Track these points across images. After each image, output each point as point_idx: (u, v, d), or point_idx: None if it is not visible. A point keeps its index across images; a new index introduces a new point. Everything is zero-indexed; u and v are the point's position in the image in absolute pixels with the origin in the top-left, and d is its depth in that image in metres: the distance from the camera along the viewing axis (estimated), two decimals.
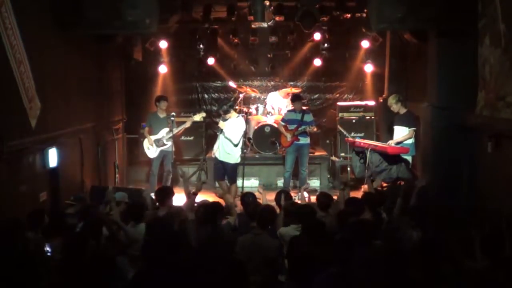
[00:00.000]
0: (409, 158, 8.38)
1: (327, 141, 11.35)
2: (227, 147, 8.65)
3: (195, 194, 6.24)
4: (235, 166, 8.77)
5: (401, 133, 8.57)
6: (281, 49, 12.03)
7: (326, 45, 11.09)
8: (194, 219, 5.70)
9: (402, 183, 8.00)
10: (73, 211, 6.22)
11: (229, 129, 8.58)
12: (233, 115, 8.71)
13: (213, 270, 3.88)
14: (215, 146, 8.97)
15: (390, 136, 8.91)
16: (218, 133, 8.87)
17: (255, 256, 4.78)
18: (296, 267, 3.92)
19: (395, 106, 8.71)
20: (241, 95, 11.83)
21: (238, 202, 6.98)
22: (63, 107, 7.43)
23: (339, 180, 9.96)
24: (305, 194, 9.31)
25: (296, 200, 7.33)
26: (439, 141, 8.14)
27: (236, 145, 8.61)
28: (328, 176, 10.69)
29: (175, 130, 9.38)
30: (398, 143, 8.41)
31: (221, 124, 8.68)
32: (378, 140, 9.88)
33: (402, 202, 5.80)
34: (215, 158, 8.93)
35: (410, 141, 8.51)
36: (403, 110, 8.73)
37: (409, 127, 8.50)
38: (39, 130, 6.50)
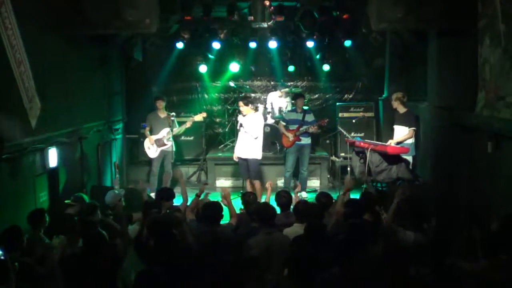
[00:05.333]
0: (409, 158, 8.38)
1: (327, 141, 11.37)
2: (248, 143, 8.65)
3: (199, 196, 6.26)
4: (257, 162, 8.77)
5: (401, 132, 8.57)
6: (282, 49, 12.00)
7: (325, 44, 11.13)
8: (194, 219, 5.71)
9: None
10: (73, 211, 6.20)
11: (248, 124, 8.59)
12: (250, 111, 8.68)
13: (213, 270, 3.88)
14: (236, 147, 8.93)
15: (391, 136, 8.91)
16: (238, 129, 8.88)
17: (273, 255, 4.79)
18: (297, 267, 3.92)
19: (394, 103, 8.73)
20: (241, 95, 11.86)
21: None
22: (63, 107, 7.43)
23: (340, 184, 9.89)
24: (304, 194, 9.36)
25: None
26: (439, 141, 8.14)
27: (255, 139, 8.61)
28: (328, 176, 10.70)
29: (175, 130, 9.40)
30: (398, 143, 8.41)
31: (240, 118, 8.73)
32: (379, 140, 9.88)
33: (397, 206, 5.78)
34: (239, 158, 8.83)
35: (410, 141, 8.51)
36: (402, 110, 8.73)
37: (409, 127, 8.51)
38: (39, 130, 6.50)
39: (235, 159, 8.97)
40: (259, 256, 4.64)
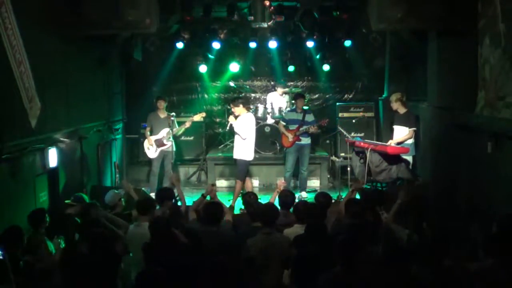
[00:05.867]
0: (409, 158, 8.38)
1: (327, 141, 11.36)
2: (238, 144, 8.67)
3: (204, 196, 6.27)
4: (243, 163, 8.71)
5: (401, 133, 8.57)
6: (282, 49, 11.99)
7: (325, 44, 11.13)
8: (195, 219, 5.71)
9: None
10: (73, 211, 6.21)
11: (238, 125, 8.59)
12: (243, 111, 8.68)
13: (214, 269, 3.88)
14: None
15: (391, 136, 8.91)
16: (228, 129, 8.99)
17: (271, 255, 4.78)
18: (299, 267, 3.92)
19: (395, 104, 8.71)
20: (241, 95, 11.88)
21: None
22: (63, 107, 7.43)
23: (341, 183, 9.86)
24: (304, 194, 9.37)
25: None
26: (439, 141, 8.14)
27: (243, 139, 8.59)
28: (328, 176, 10.70)
29: (175, 130, 9.40)
30: (398, 143, 8.41)
31: (231, 118, 8.71)
32: (379, 140, 9.87)
33: (399, 207, 5.78)
34: (234, 158, 8.89)
35: (410, 141, 8.51)
36: (402, 110, 8.72)
37: (409, 127, 8.50)
38: (39, 130, 6.50)
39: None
40: (255, 256, 4.64)
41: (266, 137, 10.64)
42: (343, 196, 7.77)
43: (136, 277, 3.88)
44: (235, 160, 8.79)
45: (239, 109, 8.64)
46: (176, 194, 6.67)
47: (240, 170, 8.74)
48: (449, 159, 7.66)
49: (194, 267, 4.12)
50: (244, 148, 8.65)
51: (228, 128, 9.00)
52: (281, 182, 6.98)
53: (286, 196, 6.18)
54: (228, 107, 11.90)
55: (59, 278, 4.29)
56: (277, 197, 6.42)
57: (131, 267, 4.83)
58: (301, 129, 9.28)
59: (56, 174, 7.11)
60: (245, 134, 8.58)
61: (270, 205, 5.60)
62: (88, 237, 4.66)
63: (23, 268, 4.36)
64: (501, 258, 4.03)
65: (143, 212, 5.55)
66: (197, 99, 12.54)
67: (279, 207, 6.09)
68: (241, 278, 3.94)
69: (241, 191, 8.63)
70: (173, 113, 9.62)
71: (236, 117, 8.68)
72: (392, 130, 8.91)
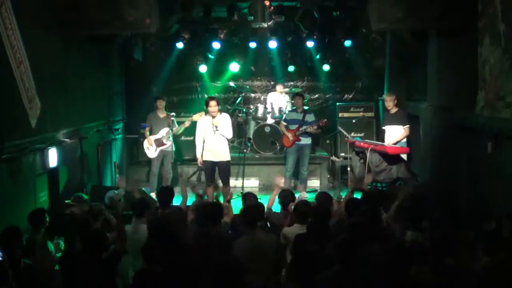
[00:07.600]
0: (404, 156, 8.37)
1: (327, 141, 11.36)
2: (222, 145, 8.31)
3: (201, 196, 6.26)
4: (228, 166, 8.45)
5: (395, 132, 8.56)
6: (282, 49, 11.98)
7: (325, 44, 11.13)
8: (194, 219, 5.71)
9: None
10: (76, 211, 6.20)
11: (223, 126, 8.23)
12: (217, 112, 8.26)
13: (212, 270, 3.87)
14: (199, 150, 8.40)
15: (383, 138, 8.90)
16: (214, 131, 8.18)
17: (255, 255, 4.77)
18: (299, 265, 3.92)
19: (390, 103, 8.70)
20: (241, 95, 11.88)
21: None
22: (63, 107, 7.43)
23: (341, 183, 9.86)
24: (304, 194, 9.36)
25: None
26: (439, 141, 8.14)
27: (228, 140, 8.36)
28: (328, 176, 10.70)
29: (175, 129, 9.40)
30: (395, 142, 8.39)
31: (215, 121, 8.16)
32: (379, 140, 9.87)
33: (399, 205, 5.78)
34: (206, 162, 8.35)
35: (404, 139, 8.52)
36: (394, 110, 8.73)
37: (404, 125, 8.50)
38: (39, 130, 6.50)
39: (200, 164, 8.52)
40: (240, 257, 4.62)
41: (266, 137, 10.65)
42: (343, 196, 7.77)
43: (134, 276, 3.88)
44: (216, 163, 8.33)
45: (217, 109, 8.22)
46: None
47: (226, 174, 8.41)
48: (449, 159, 7.66)
49: (192, 267, 4.12)
50: (227, 149, 8.36)
51: (214, 130, 8.22)
52: (278, 177, 6.88)
53: (286, 196, 6.18)
54: (228, 107, 11.94)
55: (60, 279, 4.30)
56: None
57: (128, 266, 4.82)
58: (300, 129, 9.29)
59: (56, 174, 7.11)
60: (231, 134, 8.34)
61: (252, 205, 5.48)
62: (87, 237, 4.65)
63: (23, 269, 4.36)
64: (501, 257, 4.03)
65: (139, 214, 5.56)
66: (197, 99, 12.54)
67: (279, 206, 6.11)
68: (239, 278, 3.94)
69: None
70: (173, 113, 9.62)
71: (212, 117, 8.19)
72: (383, 132, 8.89)
